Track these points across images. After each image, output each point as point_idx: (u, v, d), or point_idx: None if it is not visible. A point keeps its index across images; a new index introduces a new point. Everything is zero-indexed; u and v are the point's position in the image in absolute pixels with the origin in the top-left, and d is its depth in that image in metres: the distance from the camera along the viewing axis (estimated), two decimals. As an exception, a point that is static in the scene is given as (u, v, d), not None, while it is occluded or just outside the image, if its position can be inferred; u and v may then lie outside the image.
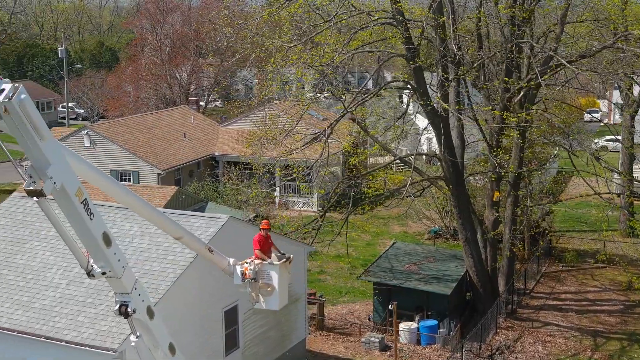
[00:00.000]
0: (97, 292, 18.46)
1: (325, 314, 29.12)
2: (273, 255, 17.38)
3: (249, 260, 16.67)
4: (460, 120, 28.71)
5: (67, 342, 17.29)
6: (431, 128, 28.46)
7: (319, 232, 29.92)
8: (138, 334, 13.81)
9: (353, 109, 27.81)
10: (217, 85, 76.60)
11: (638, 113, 40.51)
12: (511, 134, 28.51)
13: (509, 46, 27.25)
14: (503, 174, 29.12)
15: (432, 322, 27.36)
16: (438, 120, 27.55)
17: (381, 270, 29.23)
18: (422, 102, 26.99)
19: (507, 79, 27.76)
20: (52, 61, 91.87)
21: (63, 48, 74.04)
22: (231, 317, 21.16)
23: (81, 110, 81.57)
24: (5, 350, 18.11)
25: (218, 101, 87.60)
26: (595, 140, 57.84)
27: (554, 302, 31.78)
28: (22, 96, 10.73)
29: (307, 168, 28.97)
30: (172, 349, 14.64)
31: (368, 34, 26.61)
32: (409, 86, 28.76)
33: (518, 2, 27.08)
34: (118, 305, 13.33)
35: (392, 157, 32.04)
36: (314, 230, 29.19)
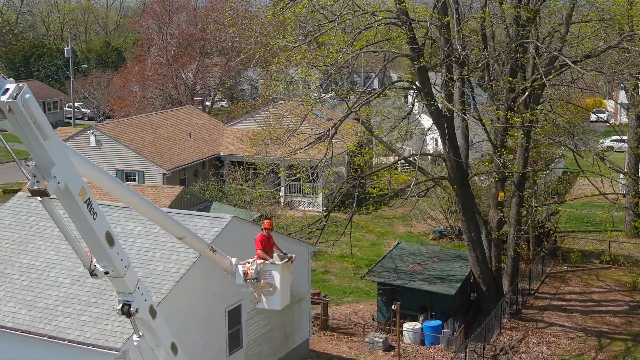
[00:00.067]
0: (100, 292, 18.51)
1: (329, 314, 29.13)
2: (275, 255, 17.40)
3: (250, 260, 16.70)
4: (464, 121, 28.67)
5: (70, 341, 17.35)
6: (436, 128, 28.46)
7: (323, 232, 29.91)
8: (140, 334, 13.86)
9: (357, 108, 27.81)
10: (223, 85, 76.65)
11: (644, 113, 40.37)
12: (516, 134, 28.47)
13: (513, 46, 27.20)
14: (508, 174, 29.08)
15: (436, 322, 27.35)
16: (442, 121, 27.54)
17: (385, 271, 29.22)
18: (427, 102, 27.00)
19: (511, 79, 27.70)
20: (59, 61, 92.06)
21: (69, 48, 74.17)
22: (234, 317, 21.18)
23: (87, 110, 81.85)
24: (8, 349, 18.18)
25: (224, 101, 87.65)
26: (602, 141, 57.69)
27: (559, 303, 31.73)
28: (27, 96, 10.80)
29: (311, 168, 28.98)
30: (174, 348, 14.69)
31: (372, 34, 26.57)
32: (413, 86, 28.75)
33: (523, 2, 27.04)
34: (121, 305, 13.41)
35: (397, 157, 32.02)
36: (318, 230, 29.20)
